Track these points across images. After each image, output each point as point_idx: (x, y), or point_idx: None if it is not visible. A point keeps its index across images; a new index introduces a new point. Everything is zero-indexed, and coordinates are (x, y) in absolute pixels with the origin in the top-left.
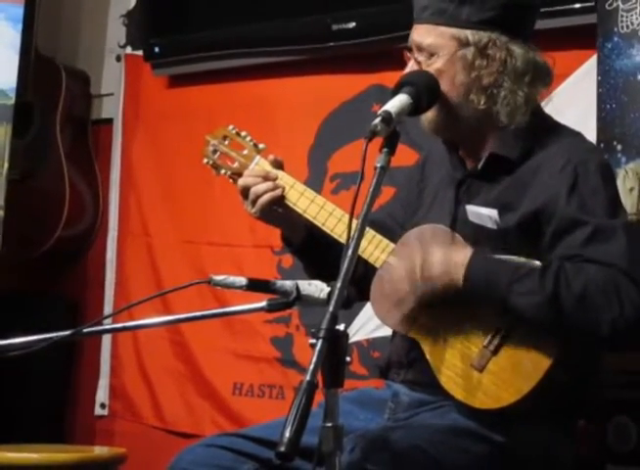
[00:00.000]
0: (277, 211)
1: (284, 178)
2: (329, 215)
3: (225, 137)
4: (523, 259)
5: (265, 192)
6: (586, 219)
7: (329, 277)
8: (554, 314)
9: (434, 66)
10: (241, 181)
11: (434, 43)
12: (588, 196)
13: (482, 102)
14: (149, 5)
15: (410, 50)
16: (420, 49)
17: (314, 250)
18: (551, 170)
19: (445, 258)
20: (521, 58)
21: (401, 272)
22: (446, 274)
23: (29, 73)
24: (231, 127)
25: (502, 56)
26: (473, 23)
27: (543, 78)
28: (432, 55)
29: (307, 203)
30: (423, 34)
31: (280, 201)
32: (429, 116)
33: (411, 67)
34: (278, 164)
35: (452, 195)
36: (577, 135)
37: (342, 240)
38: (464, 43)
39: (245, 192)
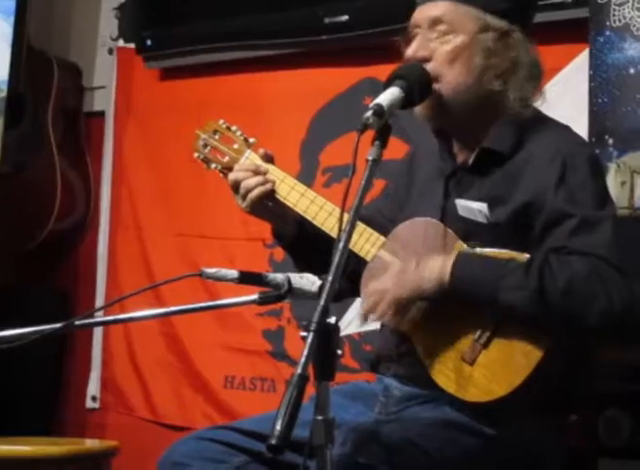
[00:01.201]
0: (268, 206)
1: (274, 172)
2: (319, 209)
3: (216, 131)
4: (510, 253)
5: (256, 186)
6: (573, 211)
7: (319, 271)
8: (541, 308)
9: (453, 42)
10: (231, 176)
11: (456, 20)
12: (576, 188)
13: (496, 86)
14: None
15: (416, 27)
16: (435, 24)
17: (305, 244)
18: (540, 163)
19: (434, 261)
20: (530, 50)
21: (392, 267)
22: (436, 279)
23: (21, 66)
24: (221, 122)
25: (516, 45)
26: (493, 9)
27: (540, 72)
28: (449, 32)
29: (298, 197)
30: (443, 9)
31: (270, 195)
32: (421, 109)
33: (420, 42)
34: (268, 158)
35: (441, 188)
36: (566, 128)
37: (333, 234)
38: (485, 27)
39: (235, 186)
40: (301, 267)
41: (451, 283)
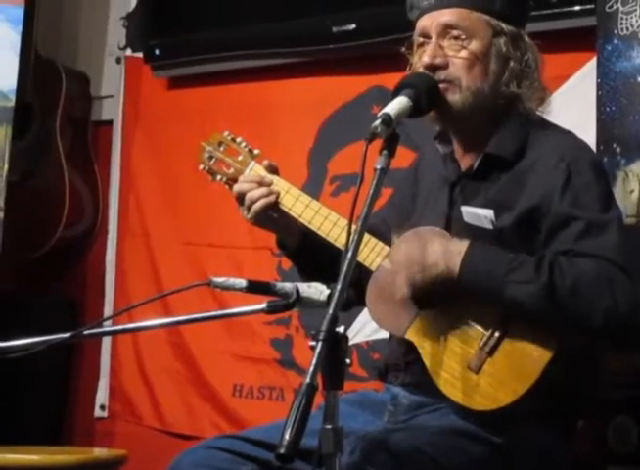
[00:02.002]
0: (272, 217)
1: (279, 183)
2: (324, 220)
3: (220, 143)
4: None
5: (260, 198)
6: (579, 215)
7: (324, 280)
8: (549, 305)
9: (469, 48)
10: (236, 187)
11: (471, 26)
12: (581, 192)
13: (511, 90)
14: (149, 7)
15: (424, 35)
16: (448, 30)
17: (309, 254)
18: (544, 168)
19: (443, 247)
20: (538, 53)
21: (397, 269)
22: (443, 262)
23: (29, 75)
24: (226, 133)
25: (526, 50)
26: (502, 15)
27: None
28: (464, 38)
29: (302, 207)
30: (456, 15)
31: (275, 206)
32: (433, 114)
33: (434, 49)
34: (273, 170)
35: (446, 196)
36: (569, 133)
37: (338, 244)
38: (498, 32)
39: (240, 198)
40: (306, 276)
41: (461, 271)
